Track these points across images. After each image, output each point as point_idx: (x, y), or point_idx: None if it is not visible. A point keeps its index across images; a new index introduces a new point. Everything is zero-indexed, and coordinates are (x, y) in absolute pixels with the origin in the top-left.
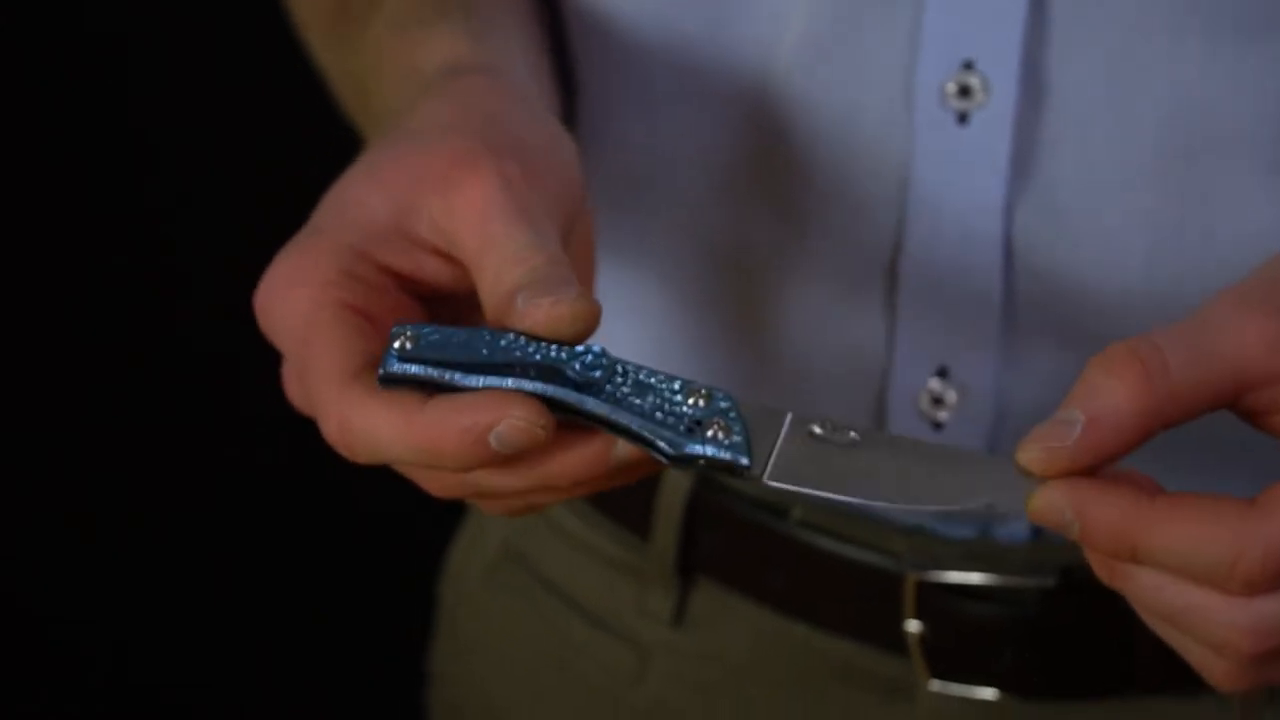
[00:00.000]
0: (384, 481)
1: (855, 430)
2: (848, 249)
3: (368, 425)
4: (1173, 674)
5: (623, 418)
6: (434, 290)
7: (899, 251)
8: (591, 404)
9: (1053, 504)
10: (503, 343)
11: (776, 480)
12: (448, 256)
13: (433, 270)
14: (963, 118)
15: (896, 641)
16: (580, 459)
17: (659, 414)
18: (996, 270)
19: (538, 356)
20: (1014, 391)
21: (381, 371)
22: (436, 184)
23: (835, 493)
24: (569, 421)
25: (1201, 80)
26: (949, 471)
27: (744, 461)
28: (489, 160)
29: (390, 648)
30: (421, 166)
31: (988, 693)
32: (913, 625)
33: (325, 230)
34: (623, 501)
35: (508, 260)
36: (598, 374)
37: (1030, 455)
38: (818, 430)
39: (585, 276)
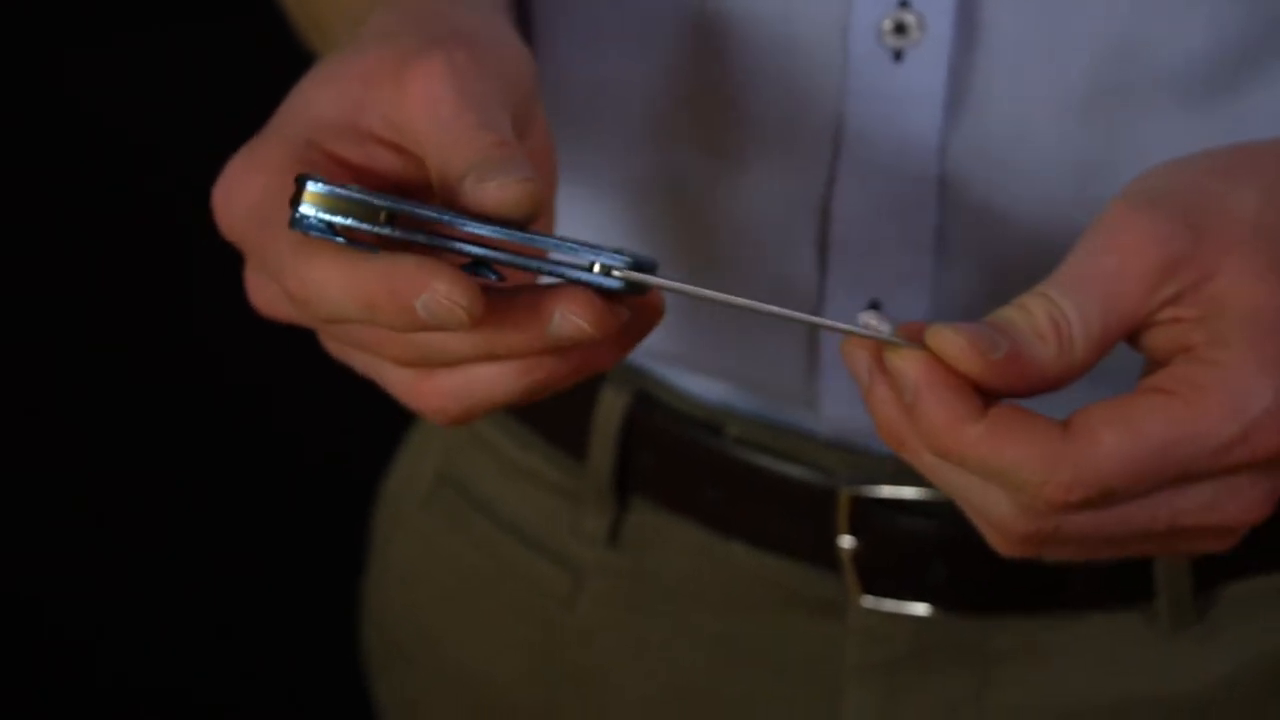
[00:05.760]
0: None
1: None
2: (781, 185)
3: (320, 276)
4: (1102, 589)
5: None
6: (388, 182)
7: (832, 188)
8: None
9: (905, 371)
10: (427, 210)
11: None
12: (400, 149)
13: (385, 162)
14: (898, 55)
15: (829, 558)
16: (517, 311)
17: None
18: (930, 206)
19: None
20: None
21: (295, 214)
22: (386, 79)
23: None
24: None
25: (1133, 20)
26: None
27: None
28: (436, 50)
29: None
30: (371, 64)
31: (919, 608)
32: (845, 541)
33: (278, 127)
34: (558, 422)
35: (457, 143)
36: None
37: (953, 343)
38: None
39: (546, 178)
